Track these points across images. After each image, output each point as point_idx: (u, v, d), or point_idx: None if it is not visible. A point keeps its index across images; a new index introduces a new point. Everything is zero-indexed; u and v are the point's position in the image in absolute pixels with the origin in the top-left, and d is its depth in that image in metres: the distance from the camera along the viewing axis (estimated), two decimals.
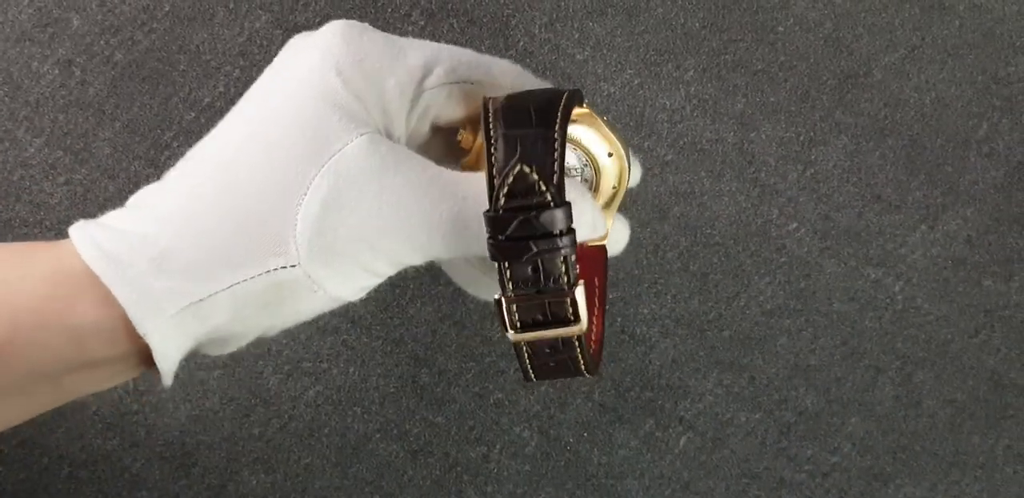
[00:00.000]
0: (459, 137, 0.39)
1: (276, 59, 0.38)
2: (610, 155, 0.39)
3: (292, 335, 0.55)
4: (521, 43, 0.55)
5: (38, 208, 0.54)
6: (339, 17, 0.54)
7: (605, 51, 0.55)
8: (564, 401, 0.55)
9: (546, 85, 0.40)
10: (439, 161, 0.37)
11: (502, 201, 0.33)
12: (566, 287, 0.33)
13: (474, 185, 0.35)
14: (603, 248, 0.41)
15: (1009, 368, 0.56)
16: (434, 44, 0.38)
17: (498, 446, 0.55)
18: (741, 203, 0.55)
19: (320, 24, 0.38)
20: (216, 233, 0.35)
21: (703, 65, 0.55)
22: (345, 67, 0.36)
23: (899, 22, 0.56)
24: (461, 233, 0.35)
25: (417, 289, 0.55)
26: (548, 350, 0.35)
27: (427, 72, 0.37)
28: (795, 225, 0.55)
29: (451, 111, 0.39)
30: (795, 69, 0.56)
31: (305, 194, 0.34)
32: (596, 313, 0.40)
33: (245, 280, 0.34)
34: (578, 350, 0.35)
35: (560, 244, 0.33)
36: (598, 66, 0.55)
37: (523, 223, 0.33)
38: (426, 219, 0.35)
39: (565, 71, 0.55)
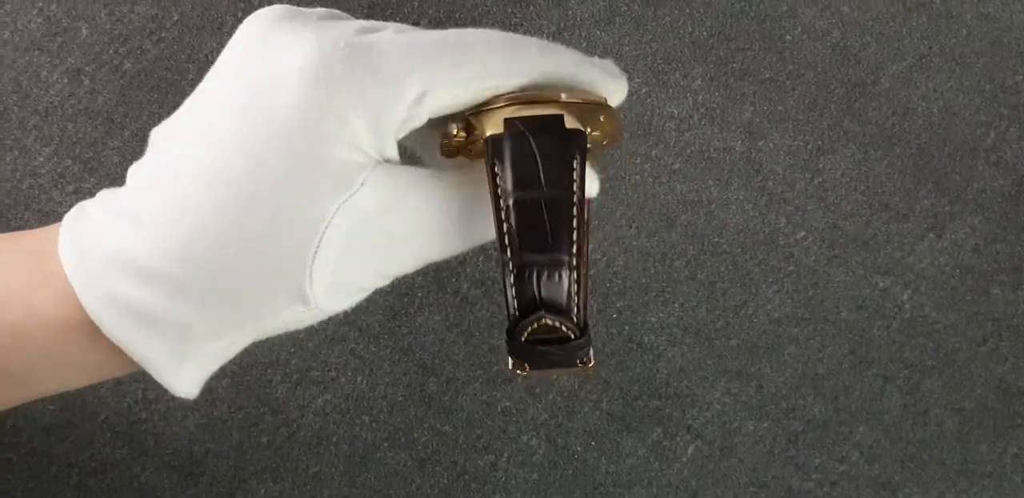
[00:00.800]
0: (451, 130, 0.36)
1: (242, 52, 0.34)
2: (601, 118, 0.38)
3: (300, 344, 0.55)
4: None
5: (47, 217, 0.54)
6: None
7: (613, 60, 0.55)
8: (572, 409, 0.55)
9: (579, 71, 0.36)
10: (423, 139, 0.37)
11: (523, 336, 0.33)
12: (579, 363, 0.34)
13: (471, 182, 0.35)
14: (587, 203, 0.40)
15: (1017, 377, 0.56)
16: (428, 56, 0.34)
17: (506, 454, 0.55)
18: (749, 212, 0.55)
19: None
20: (223, 288, 0.33)
21: (711, 74, 0.56)
22: (338, 105, 0.33)
23: (907, 31, 0.56)
24: (472, 228, 0.35)
25: (425, 298, 0.55)
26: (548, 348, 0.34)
27: (421, 97, 0.34)
28: (803, 234, 0.55)
29: (442, 112, 0.36)
30: (803, 78, 0.56)
31: (317, 246, 0.33)
32: (584, 262, 0.40)
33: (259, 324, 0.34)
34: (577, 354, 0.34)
35: (579, 352, 0.33)
36: None
37: (545, 353, 0.33)
38: (435, 237, 0.35)
39: None
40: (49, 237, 0.34)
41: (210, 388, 0.55)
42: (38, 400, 0.53)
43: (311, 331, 0.55)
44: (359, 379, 0.55)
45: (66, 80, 0.55)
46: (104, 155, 0.55)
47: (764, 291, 0.55)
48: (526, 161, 0.33)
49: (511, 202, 0.33)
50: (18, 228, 0.55)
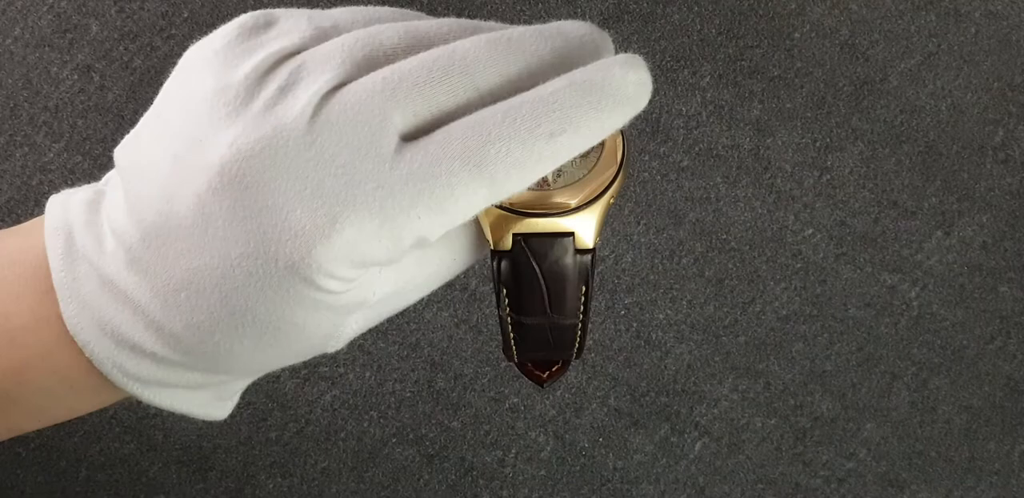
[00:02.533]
0: None
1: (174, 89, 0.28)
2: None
3: None
4: None
5: None
6: None
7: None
8: (580, 406, 0.55)
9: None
10: None
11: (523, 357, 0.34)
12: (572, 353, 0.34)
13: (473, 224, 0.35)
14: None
15: None
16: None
17: (514, 450, 0.55)
18: (757, 209, 0.56)
19: None
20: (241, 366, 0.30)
21: (719, 71, 0.56)
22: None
23: (915, 29, 0.56)
24: (474, 256, 0.35)
25: (433, 294, 0.55)
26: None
27: None
28: (811, 231, 0.56)
29: None
30: (811, 75, 0.56)
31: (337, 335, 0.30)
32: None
33: None
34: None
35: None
36: None
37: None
38: (446, 276, 0.34)
39: None
40: (34, 249, 0.30)
41: None
42: None
43: None
44: (367, 375, 0.55)
45: (76, 76, 0.55)
46: (113, 151, 0.55)
47: (772, 288, 0.56)
48: (532, 288, 0.33)
49: (513, 321, 0.33)
50: None
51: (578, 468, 0.56)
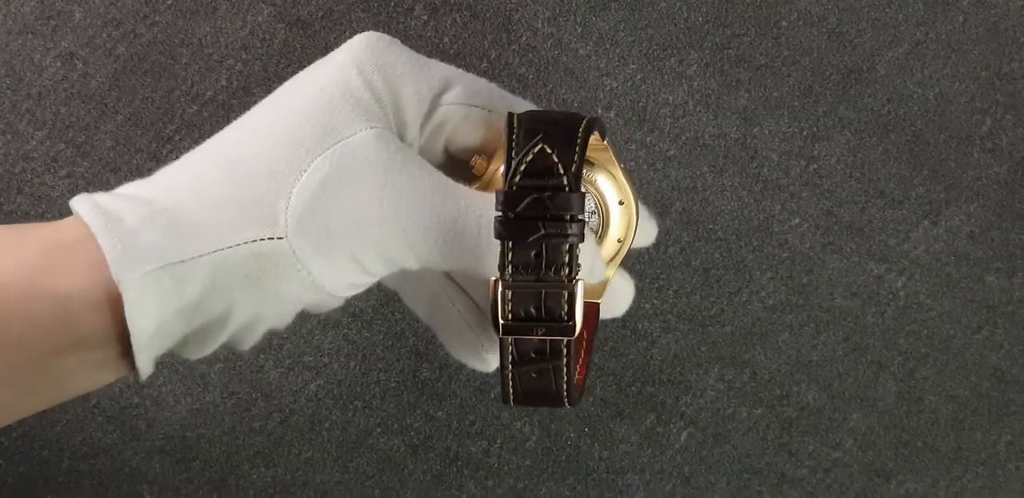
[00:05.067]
0: (473, 162, 0.38)
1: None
2: (621, 203, 0.38)
3: (293, 329, 0.55)
4: (524, 38, 0.55)
5: (39, 201, 0.54)
6: (341, 11, 0.54)
7: (608, 46, 0.55)
8: None
9: None
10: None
11: (518, 178, 0.32)
12: (566, 279, 0.32)
13: (478, 198, 0.35)
14: (596, 305, 0.39)
15: (1012, 364, 0.56)
16: (459, 70, 0.39)
17: (499, 441, 0.55)
18: (743, 198, 0.55)
19: (323, 18, 0.38)
20: (211, 198, 0.35)
21: (706, 60, 0.55)
22: (367, 68, 0.37)
23: (903, 17, 0.56)
24: (457, 239, 0.35)
25: None
26: (534, 355, 0.33)
27: (446, 87, 0.38)
28: (797, 220, 0.55)
29: (466, 134, 0.38)
30: (798, 64, 0.55)
31: (305, 171, 0.35)
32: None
33: (229, 247, 0.34)
34: (564, 362, 0.33)
35: (569, 230, 0.31)
36: (601, 61, 0.55)
37: (535, 202, 0.31)
38: (424, 218, 0.35)
39: (567, 66, 0.55)
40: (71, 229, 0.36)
41: (202, 373, 0.55)
42: None
43: (304, 316, 0.54)
44: (352, 364, 0.55)
45: (59, 64, 0.54)
46: (97, 139, 0.54)
47: (758, 278, 0.55)
48: (546, 112, 0.34)
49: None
50: (10, 212, 0.54)
51: (563, 458, 0.55)
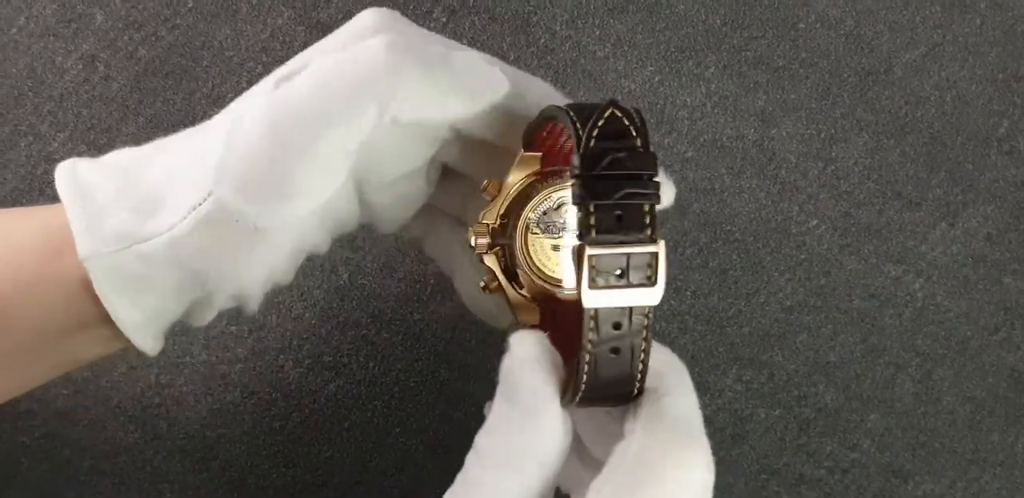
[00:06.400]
0: (484, 186, 0.37)
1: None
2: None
3: (313, 330, 0.55)
4: (542, 40, 0.55)
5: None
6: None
7: (626, 48, 0.55)
8: None
9: None
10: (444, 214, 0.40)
11: (592, 142, 0.30)
12: (648, 239, 0.29)
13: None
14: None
15: None
16: (480, 82, 0.36)
17: None
18: (761, 200, 0.55)
19: (343, 21, 0.38)
20: (171, 167, 0.34)
21: (724, 62, 0.56)
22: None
23: (920, 19, 0.56)
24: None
25: (438, 284, 0.55)
26: (615, 328, 0.31)
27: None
28: (815, 222, 0.56)
29: (473, 159, 0.38)
30: (816, 66, 0.56)
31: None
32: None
33: (179, 222, 0.33)
34: (644, 336, 0.31)
35: (649, 189, 0.30)
36: (619, 63, 0.55)
37: (615, 161, 0.30)
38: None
39: (586, 68, 0.55)
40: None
41: (223, 373, 0.55)
42: (51, 384, 0.53)
43: (323, 317, 0.55)
44: (371, 365, 0.55)
45: (81, 66, 0.55)
46: (119, 141, 0.55)
47: (776, 279, 0.56)
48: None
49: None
50: None
51: None
